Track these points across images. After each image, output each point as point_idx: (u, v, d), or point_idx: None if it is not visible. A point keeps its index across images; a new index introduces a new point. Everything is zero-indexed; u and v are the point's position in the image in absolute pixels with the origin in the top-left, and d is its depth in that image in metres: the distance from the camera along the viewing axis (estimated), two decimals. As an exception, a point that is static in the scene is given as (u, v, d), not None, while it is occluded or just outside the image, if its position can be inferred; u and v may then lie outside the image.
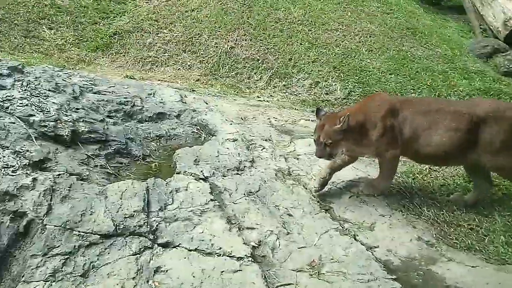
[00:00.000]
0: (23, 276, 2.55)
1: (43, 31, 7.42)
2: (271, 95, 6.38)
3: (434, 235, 3.32)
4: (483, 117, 3.38)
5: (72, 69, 6.49)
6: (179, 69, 6.92)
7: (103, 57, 7.14)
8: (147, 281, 2.61)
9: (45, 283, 2.51)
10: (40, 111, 3.52)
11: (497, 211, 3.64)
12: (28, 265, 2.59)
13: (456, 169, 4.16)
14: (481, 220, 3.56)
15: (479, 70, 6.57)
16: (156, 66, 6.98)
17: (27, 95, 3.61)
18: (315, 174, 3.88)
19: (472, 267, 2.94)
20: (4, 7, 7.62)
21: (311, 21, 7.42)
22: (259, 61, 6.83)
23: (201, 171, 3.60)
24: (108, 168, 3.52)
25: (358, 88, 6.18)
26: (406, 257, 3.05)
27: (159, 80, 6.43)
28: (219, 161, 3.81)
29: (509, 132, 3.34)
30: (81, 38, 7.42)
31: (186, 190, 3.33)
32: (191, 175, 3.52)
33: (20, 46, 7.07)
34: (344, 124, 3.41)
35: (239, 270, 2.73)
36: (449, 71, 6.49)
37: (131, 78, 6.16)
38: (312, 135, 3.76)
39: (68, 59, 6.92)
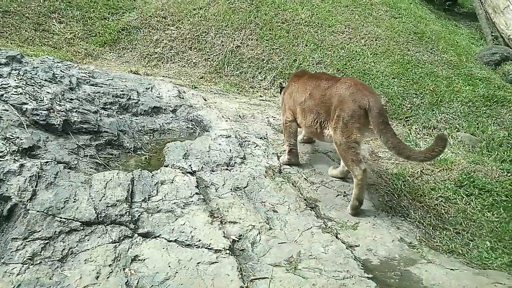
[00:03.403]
0: (3, 258, 2.60)
1: (53, 25, 7.56)
2: (274, 95, 6.39)
3: (417, 237, 3.30)
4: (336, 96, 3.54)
5: (79, 63, 6.62)
6: (184, 66, 6.99)
7: (110, 52, 7.25)
8: (123, 269, 2.65)
9: (23, 266, 2.55)
10: (33, 100, 3.58)
11: (486, 216, 3.61)
12: (9, 248, 2.64)
13: (448, 174, 4.13)
14: (468, 224, 3.54)
15: (484, 77, 6.49)
16: (162, 63, 7.05)
17: (23, 84, 3.67)
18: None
19: (451, 270, 2.91)
20: (16, 0, 7.77)
21: (318, 23, 7.42)
22: (264, 61, 6.86)
23: (190, 165, 3.63)
24: (97, 159, 3.56)
25: (360, 91, 6.16)
26: (386, 257, 3.03)
27: (163, 76, 6.50)
28: (209, 156, 3.83)
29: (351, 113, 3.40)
30: (90, 33, 7.54)
31: (172, 183, 3.36)
32: (178, 168, 3.55)
33: (30, 39, 7.21)
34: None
35: (215, 262, 2.75)
36: (453, 77, 6.42)
37: (135, 73, 6.24)
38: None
39: (76, 53, 7.04)
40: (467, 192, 3.90)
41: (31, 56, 5.59)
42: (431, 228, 3.45)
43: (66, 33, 7.46)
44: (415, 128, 5.48)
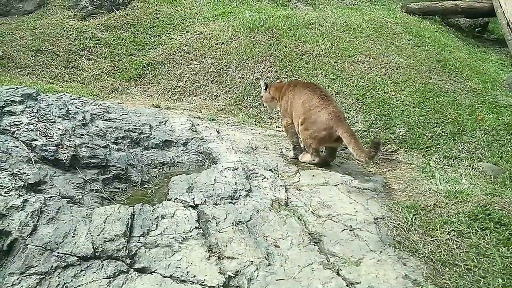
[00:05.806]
0: (-1, 293, 2.67)
1: (82, 62, 7.89)
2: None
3: (424, 274, 3.16)
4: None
5: (105, 98, 6.85)
6: (205, 99, 7.11)
7: (135, 87, 7.47)
8: (115, 305, 2.66)
9: (16, 301, 2.61)
10: (43, 136, 3.71)
11: (500, 252, 3.43)
12: (5, 283, 2.70)
13: (463, 206, 3.97)
14: (480, 260, 3.36)
15: (510, 105, 6.29)
16: (184, 96, 7.20)
17: (35, 121, 3.82)
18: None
19: (456, 310, 2.77)
20: (48, 39, 8.18)
21: (338, 53, 7.42)
22: (283, 92, 6.87)
23: (192, 198, 3.64)
24: (103, 193, 3.63)
25: (380, 121, 6.07)
26: (387, 295, 2.92)
27: (184, 109, 6.63)
28: (213, 189, 3.84)
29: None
30: (116, 69, 7.81)
31: (172, 217, 3.37)
32: (181, 202, 3.57)
33: (60, 76, 7.55)
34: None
35: (207, 299, 2.72)
36: (476, 105, 6.25)
37: (157, 107, 6.39)
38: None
39: (102, 88, 7.29)
40: (481, 226, 3.72)
41: (58, 92, 5.83)
42: (440, 264, 3.30)
43: (94, 69, 7.77)
44: (435, 158, 5.33)
